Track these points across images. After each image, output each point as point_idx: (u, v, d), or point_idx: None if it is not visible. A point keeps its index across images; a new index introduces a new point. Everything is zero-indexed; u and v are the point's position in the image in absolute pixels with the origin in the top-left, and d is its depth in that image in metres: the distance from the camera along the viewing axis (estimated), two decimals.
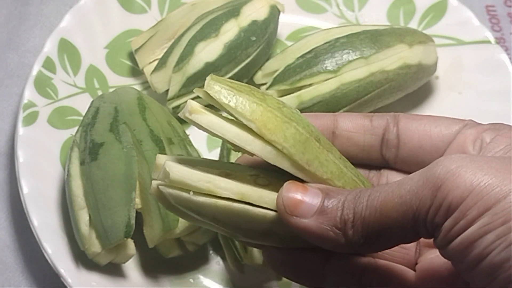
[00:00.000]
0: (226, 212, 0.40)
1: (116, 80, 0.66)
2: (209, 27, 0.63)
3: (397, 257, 0.44)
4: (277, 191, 0.39)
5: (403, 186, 0.37)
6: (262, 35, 0.64)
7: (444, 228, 0.36)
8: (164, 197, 0.41)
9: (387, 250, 0.44)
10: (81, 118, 0.60)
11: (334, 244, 0.39)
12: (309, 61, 0.62)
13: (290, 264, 0.42)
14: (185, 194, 0.39)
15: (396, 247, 0.42)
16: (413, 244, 0.44)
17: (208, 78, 0.40)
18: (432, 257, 0.43)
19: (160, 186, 0.40)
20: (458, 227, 0.35)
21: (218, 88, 0.39)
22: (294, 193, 0.39)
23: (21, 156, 0.58)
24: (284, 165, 0.40)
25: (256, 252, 0.55)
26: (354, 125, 0.46)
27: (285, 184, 0.39)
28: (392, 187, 0.37)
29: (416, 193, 0.36)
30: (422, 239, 0.43)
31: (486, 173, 0.35)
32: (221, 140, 0.62)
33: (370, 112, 0.64)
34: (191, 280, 0.58)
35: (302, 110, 0.61)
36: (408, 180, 0.37)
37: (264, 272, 0.59)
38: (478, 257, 0.35)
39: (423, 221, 0.36)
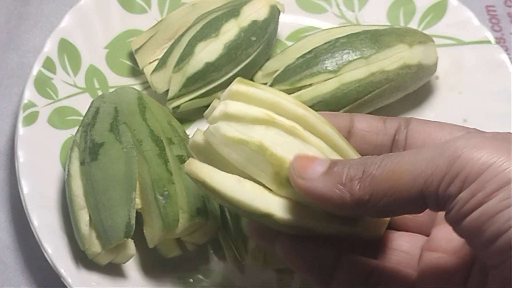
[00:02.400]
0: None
1: (116, 80, 0.66)
2: (209, 27, 0.63)
3: (402, 263, 0.45)
4: None
5: (419, 153, 0.38)
6: (262, 35, 0.64)
7: (460, 199, 0.36)
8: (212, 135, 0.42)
9: (393, 255, 0.44)
10: (81, 118, 0.60)
11: (339, 203, 0.40)
12: (309, 61, 0.62)
13: (302, 256, 0.43)
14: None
15: (401, 252, 0.42)
16: (417, 251, 0.45)
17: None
18: (433, 257, 0.43)
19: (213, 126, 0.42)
20: (476, 199, 0.35)
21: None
22: (300, 160, 0.41)
23: (21, 156, 0.58)
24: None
25: (256, 252, 0.55)
26: (368, 125, 0.47)
27: (296, 154, 0.42)
28: (407, 153, 0.38)
29: (432, 160, 0.37)
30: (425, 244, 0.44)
31: (504, 153, 0.36)
32: None
33: (370, 112, 0.64)
34: (191, 280, 0.59)
35: None
36: (424, 149, 0.38)
37: (264, 272, 0.59)
38: (497, 232, 0.35)
39: (435, 189, 0.37)
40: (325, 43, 0.63)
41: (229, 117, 0.42)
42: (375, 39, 0.62)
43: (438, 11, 0.69)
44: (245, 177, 0.42)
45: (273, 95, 0.43)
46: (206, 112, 0.45)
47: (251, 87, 0.43)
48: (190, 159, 0.43)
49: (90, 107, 0.59)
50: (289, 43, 0.68)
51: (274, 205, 0.42)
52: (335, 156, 0.44)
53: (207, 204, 0.54)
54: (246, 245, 0.54)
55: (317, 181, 0.40)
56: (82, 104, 0.62)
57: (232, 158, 0.42)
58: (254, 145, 0.42)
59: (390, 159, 0.39)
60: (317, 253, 0.43)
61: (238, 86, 0.43)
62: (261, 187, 0.43)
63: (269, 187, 0.42)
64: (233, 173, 0.42)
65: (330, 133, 0.44)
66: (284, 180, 0.42)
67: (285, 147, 0.42)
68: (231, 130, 0.42)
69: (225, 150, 0.42)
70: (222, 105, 0.43)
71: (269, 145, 0.42)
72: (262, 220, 0.43)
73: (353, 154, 0.45)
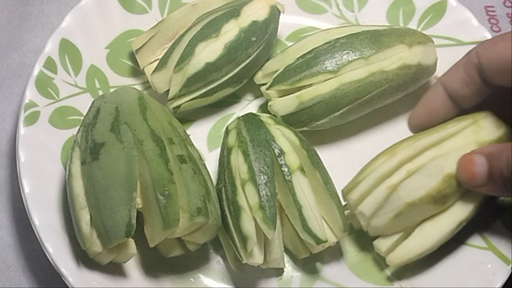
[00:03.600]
0: None
1: (117, 80, 0.66)
2: (210, 28, 0.63)
3: None
4: None
5: None
6: (262, 36, 0.64)
7: None
8: None
9: None
10: (82, 118, 0.60)
11: (507, 195, 0.54)
12: (309, 62, 0.62)
13: None
14: None
15: None
16: None
17: None
18: None
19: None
20: None
21: None
22: (464, 171, 0.53)
23: (22, 156, 0.58)
24: None
25: (256, 252, 0.56)
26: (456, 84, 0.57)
27: (457, 161, 0.54)
28: None
29: None
30: None
31: None
32: (221, 140, 0.63)
33: (370, 112, 0.64)
34: (192, 280, 0.59)
35: (302, 110, 0.61)
36: None
37: (264, 272, 0.59)
38: None
39: None
40: (325, 43, 0.63)
41: (371, 215, 0.55)
42: (375, 39, 0.62)
43: (437, 11, 0.69)
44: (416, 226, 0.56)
45: (373, 178, 0.55)
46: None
47: (358, 189, 0.55)
48: (387, 259, 0.56)
49: (91, 107, 0.60)
50: (289, 44, 0.69)
51: (458, 211, 0.55)
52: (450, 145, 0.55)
53: (207, 204, 0.55)
54: (246, 245, 0.55)
55: (485, 188, 0.53)
56: (83, 104, 0.62)
57: (404, 226, 0.55)
58: (405, 208, 0.54)
59: None
60: None
61: (350, 196, 0.56)
62: (435, 216, 0.55)
63: (440, 210, 0.55)
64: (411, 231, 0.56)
65: (428, 141, 0.55)
66: (443, 199, 0.54)
67: (418, 186, 0.54)
68: (382, 219, 0.55)
69: (394, 228, 0.56)
70: (360, 217, 0.55)
71: (410, 199, 0.54)
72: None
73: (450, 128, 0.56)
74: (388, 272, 0.59)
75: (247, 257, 0.55)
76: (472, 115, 0.57)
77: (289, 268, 0.60)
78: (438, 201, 0.54)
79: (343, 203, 0.57)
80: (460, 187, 0.54)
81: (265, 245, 0.57)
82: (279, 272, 0.60)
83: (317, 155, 0.59)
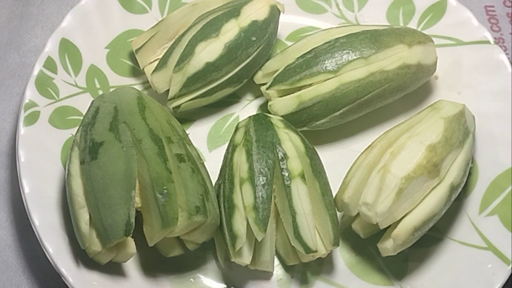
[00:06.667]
0: None
1: (117, 80, 0.66)
2: (210, 27, 0.63)
3: None
4: None
5: None
6: (263, 35, 0.64)
7: None
8: None
9: None
10: (82, 118, 0.60)
11: None
12: (309, 61, 0.62)
13: None
14: None
15: None
16: None
17: None
18: None
19: None
20: None
21: None
22: None
23: (22, 155, 0.58)
24: None
25: (245, 252, 0.56)
26: None
27: None
28: None
29: None
30: None
31: None
32: (221, 140, 0.63)
33: (370, 112, 0.64)
34: (192, 280, 0.59)
35: (302, 110, 0.61)
36: None
37: (264, 272, 0.59)
38: None
39: None
40: (325, 43, 0.63)
41: (374, 202, 0.55)
42: (375, 39, 0.62)
43: (437, 11, 0.69)
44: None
45: (361, 171, 0.57)
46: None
47: (350, 186, 0.57)
48: (393, 237, 0.55)
49: (90, 107, 0.60)
50: (289, 43, 0.69)
51: (448, 177, 0.57)
52: None
53: (206, 203, 0.55)
54: (235, 243, 0.55)
55: None
56: (83, 104, 0.62)
57: (409, 204, 0.56)
58: (403, 183, 0.55)
59: None
60: None
61: (345, 195, 0.57)
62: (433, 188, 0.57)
63: (438, 182, 0.57)
64: None
65: (399, 130, 0.60)
66: (434, 167, 0.56)
67: (407, 160, 0.56)
68: (386, 202, 0.55)
69: (402, 209, 0.56)
70: (365, 210, 0.55)
71: (405, 173, 0.55)
72: None
73: None
74: (388, 272, 0.59)
75: (235, 256, 0.55)
76: (426, 108, 0.61)
77: (289, 268, 0.60)
78: (431, 171, 0.56)
79: (340, 214, 0.57)
80: (445, 151, 0.57)
81: (256, 247, 0.56)
82: (279, 272, 0.60)
83: (320, 164, 0.59)
